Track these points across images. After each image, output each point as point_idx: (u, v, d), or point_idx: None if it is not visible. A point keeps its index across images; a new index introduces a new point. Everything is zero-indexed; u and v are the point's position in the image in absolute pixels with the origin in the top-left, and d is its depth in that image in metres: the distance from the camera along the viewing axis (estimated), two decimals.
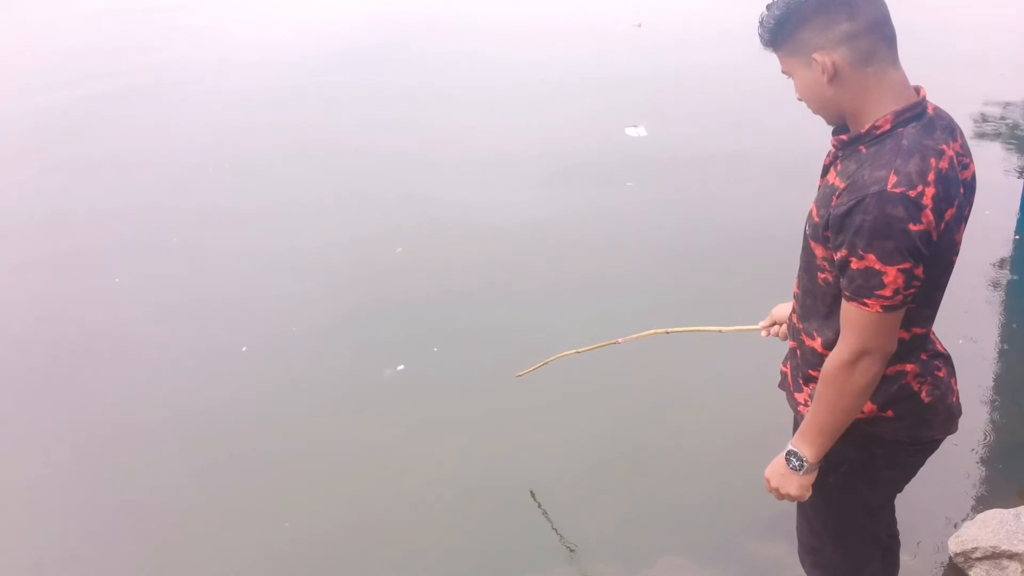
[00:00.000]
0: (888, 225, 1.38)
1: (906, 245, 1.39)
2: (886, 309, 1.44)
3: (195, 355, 3.68)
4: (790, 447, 1.63)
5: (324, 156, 5.79)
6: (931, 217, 1.40)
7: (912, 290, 1.44)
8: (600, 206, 4.91)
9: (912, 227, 1.39)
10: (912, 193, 1.38)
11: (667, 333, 2.46)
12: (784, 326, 1.95)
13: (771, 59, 1.61)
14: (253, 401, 3.39)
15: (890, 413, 1.61)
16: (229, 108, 6.88)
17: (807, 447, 1.60)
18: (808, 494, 1.65)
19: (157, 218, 4.98)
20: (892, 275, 1.41)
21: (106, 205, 5.21)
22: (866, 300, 1.44)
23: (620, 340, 2.54)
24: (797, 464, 1.61)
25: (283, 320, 3.90)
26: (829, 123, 1.61)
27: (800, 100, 1.61)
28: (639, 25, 8.97)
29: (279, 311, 3.97)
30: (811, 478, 1.63)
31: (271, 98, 7.07)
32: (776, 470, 1.67)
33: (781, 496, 1.67)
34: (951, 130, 1.51)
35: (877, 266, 1.41)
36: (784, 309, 1.98)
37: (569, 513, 2.78)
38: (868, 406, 1.59)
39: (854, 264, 1.44)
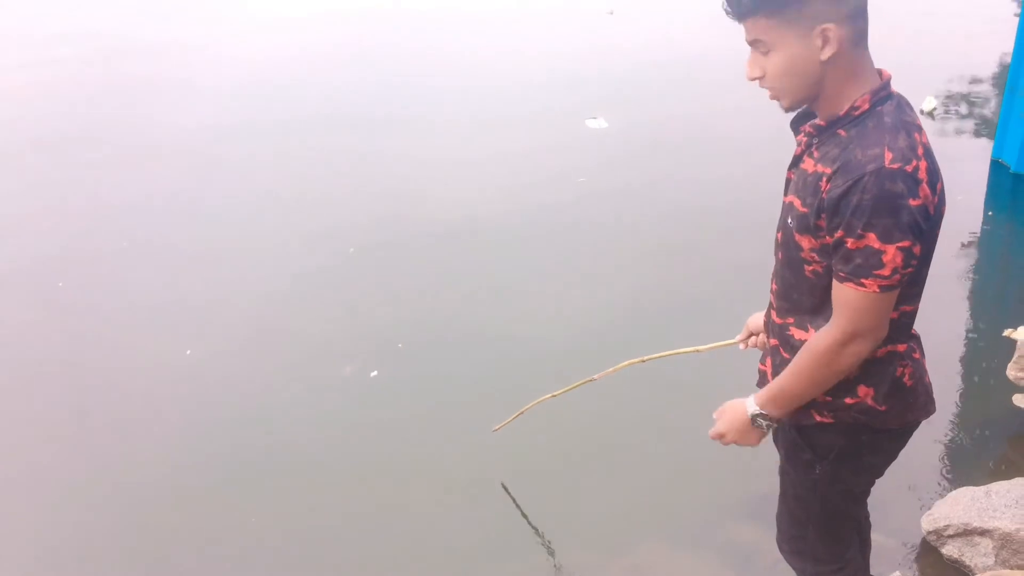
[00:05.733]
0: (889, 201, 1.37)
1: (907, 221, 1.39)
2: (883, 289, 1.43)
3: (142, 361, 3.59)
4: (756, 410, 1.63)
5: (288, 154, 5.68)
6: (927, 191, 1.41)
7: (910, 269, 1.43)
8: (559, 200, 4.84)
9: (912, 202, 1.39)
10: (909, 168, 1.38)
11: (643, 361, 2.40)
12: (762, 336, 1.91)
13: (742, 47, 1.53)
14: (229, 403, 3.35)
15: (884, 407, 1.60)
16: (196, 105, 6.77)
17: (777, 410, 1.61)
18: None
19: (108, 218, 4.85)
20: (891, 254, 1.40)
21: (56, 205, 5.06)
22: (864, 280, 1.43)
23: (596, 376, 2.48)
24: (766, 425, 1.64)
25: (248, 321, 3.85)
26: (792, 106, 1.54)
27: (755, 78, 1.52)
28: (611, 12, 8.96)
29: (238, 312, 3.92)
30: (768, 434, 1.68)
31: (236, 97, 6.97)
32: (735, 426, 1.67)
33: (728, 442, 1.70)
34: (912, 109, 1.52)
35: (876, 245, 1.40)
36: (758, 319, 1.95)
37: (546, 504, 2.78)
38: (863, 390, 1.58)
39: (850, 244, 1.42)
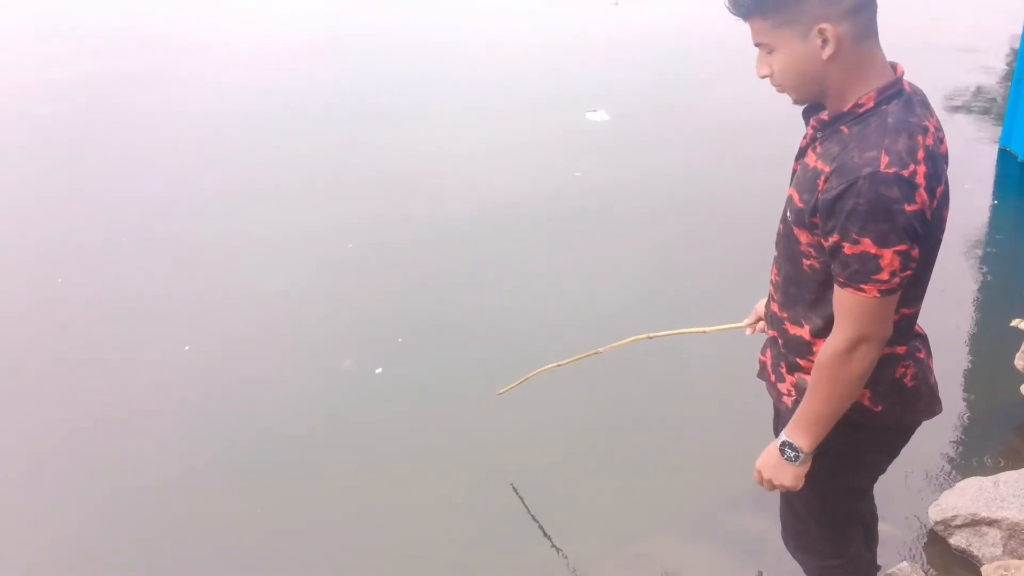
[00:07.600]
0: (884, 207, 1.35)
1: (902, 226, 1.36)
2: (883, 293, 1.41)
3: (140, 356, 3.58)
4: (784, 438, 1.58)
5: (287, 148, 5.68)
6: (924, 196, 1.38)
7: (909, 272, 1.41)
8: (559, 192, 4.83)
9: (907, 207, 1.36)
10: (905, 173, 1.35)
11: (649, 338, 2.41)
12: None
13: (747, 42, 1.51)
14: (228, 399, 3.35)
15: (879, 408, 1.60)
16: (195, 99, 6.77)
17: (802, 437, 1.55)
18: (802, 484, 1.62)
19: (106, 213, 4.83)
20: (888, 258, 1.38)
21: (45, 197, 5.05)
22: (863, 285, 1.41)
23: (602, 350, 2.50)
24: (792, 455, 1.57)
25: (246, 316, 3.84)
26: (799, 101, 1.54)
27: (764, 76, 1.52)
28: (615, 3, 8.93)
29: (236, 307, 3.91)
30: (805, 468, 1.60)
31: (235, 90, 6.96)
32: (768, 461, 1.63)
33: (773, 487, 1.64)
34: (927, 105, 1.49)
35: (873, 250, 1.38)
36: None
37: (551, 495, 2.78)
38: (861, 391, 1.55)
39: (847, 249, 1.40)
